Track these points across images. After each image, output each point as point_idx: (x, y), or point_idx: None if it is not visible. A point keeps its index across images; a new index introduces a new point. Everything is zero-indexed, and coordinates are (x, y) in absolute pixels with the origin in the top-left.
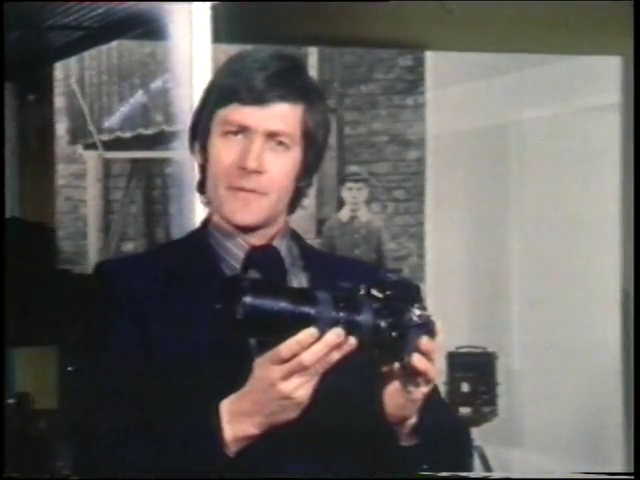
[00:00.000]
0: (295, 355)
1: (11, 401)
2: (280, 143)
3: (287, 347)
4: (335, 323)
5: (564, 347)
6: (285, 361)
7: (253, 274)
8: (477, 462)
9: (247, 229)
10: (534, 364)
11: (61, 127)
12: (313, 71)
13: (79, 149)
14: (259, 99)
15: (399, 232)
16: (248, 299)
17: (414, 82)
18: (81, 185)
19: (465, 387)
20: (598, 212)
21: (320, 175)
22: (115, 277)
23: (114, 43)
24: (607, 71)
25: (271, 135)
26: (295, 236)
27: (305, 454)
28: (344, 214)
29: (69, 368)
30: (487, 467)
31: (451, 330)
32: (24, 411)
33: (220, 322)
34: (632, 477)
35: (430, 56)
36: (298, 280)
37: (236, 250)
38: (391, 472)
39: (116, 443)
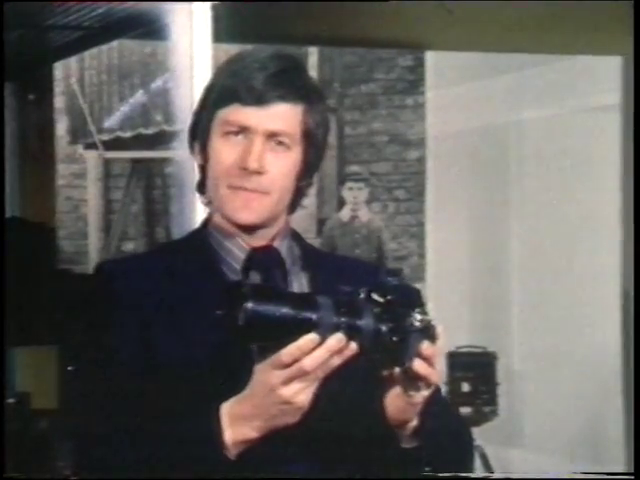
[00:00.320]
0: (296, 360)
1: (11, 401)
2: (280, 143)
3: (288, 352)
4: (336, 328)
5: (564, 347)
6: (286, 366)
7: (254, 275)
8: (477, 462)
9: (248, 228)
10: (534, 364)
11: (61, 127)
12: (313, 71)
13: (79, 149)
14: (259, 99)
15: (400, 232)
16: (249, 305)
17: (414, 82)
18: (81, 185)
19: (465, 387)
20: (598, 212)
21: (320, 175)
22: (115, 278)
23: (114, 43)
24: (607, 71)
25: (272, 135)
26: (295, 236)
27: (306, 457)
28: (345, 214)
29: (69, 368)
30: (488, 467)
31: (451, 330)
32: (24, 411)
33: (221, 325)
34: (632, 477)
35: (430, 56)
36: (299, 280)
37: (237, 251)
38: (392, 474)
39: (116, 444)
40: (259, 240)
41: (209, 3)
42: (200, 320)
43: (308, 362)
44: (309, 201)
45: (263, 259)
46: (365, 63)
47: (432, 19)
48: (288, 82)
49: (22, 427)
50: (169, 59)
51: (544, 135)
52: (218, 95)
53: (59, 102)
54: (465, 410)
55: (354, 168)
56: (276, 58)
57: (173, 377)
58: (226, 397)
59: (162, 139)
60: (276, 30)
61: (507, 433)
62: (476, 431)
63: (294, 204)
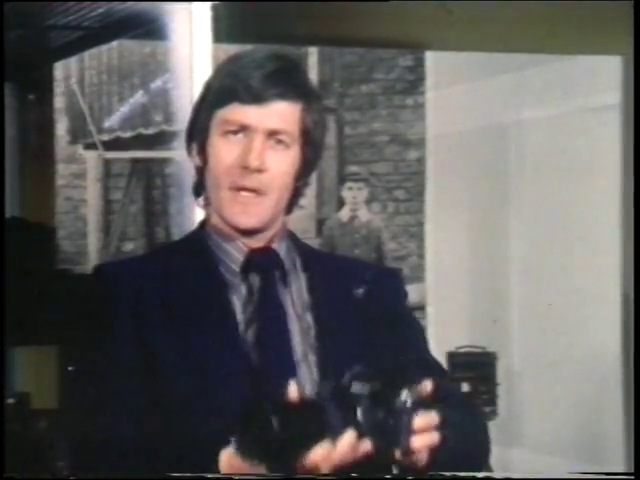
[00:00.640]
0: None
1: (11, 401)
2: (280, 141)
3: (305, 464)
4: (344, 426)
5: (564, 347)
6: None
7: (253, 277)
8: None
9: (247, 232)
10: (534, 364)
11: (61, 127)
12: (313, 71)
13: (79, 149)
14: (258, 98)
15: (399, 232)
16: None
17: (414, 82)
18: (81, 185)
19: (465, 387)
20: (598, 213)
21: (320, 175)
22: (113, 279)
23: (114, 43)
24: (607, 71)
25: (271, 133)
26: (293, 237)
27: None
28: (344, 214)
29: (69, 368)
30: (487, 467)
31: (451, 330)
32: (24, 411)
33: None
34: (632, 477)
35: (430, 56)
36: (298, 281)
37: (235, 253)
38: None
39: (116, 444)
40: (257, 242)
41: (209, 3)
42: (198, 321)
43: (324, 467)
44: (308, 201)
45: (262, 260)
46: (365, 63)
47: (432, 19)
48: (286, 81)
49: (22, 427)
50: (169, 59)
51: (544, 135)
52: (216, 95)
53: (59, 102)
54: None
55: (354, 168)
56: (273, 58)
57: (172, 377)
58: (225, 395)
59: (162, 139)
60: (276, 30)
61: (507, 433)
62: None
63: (291, 205)
